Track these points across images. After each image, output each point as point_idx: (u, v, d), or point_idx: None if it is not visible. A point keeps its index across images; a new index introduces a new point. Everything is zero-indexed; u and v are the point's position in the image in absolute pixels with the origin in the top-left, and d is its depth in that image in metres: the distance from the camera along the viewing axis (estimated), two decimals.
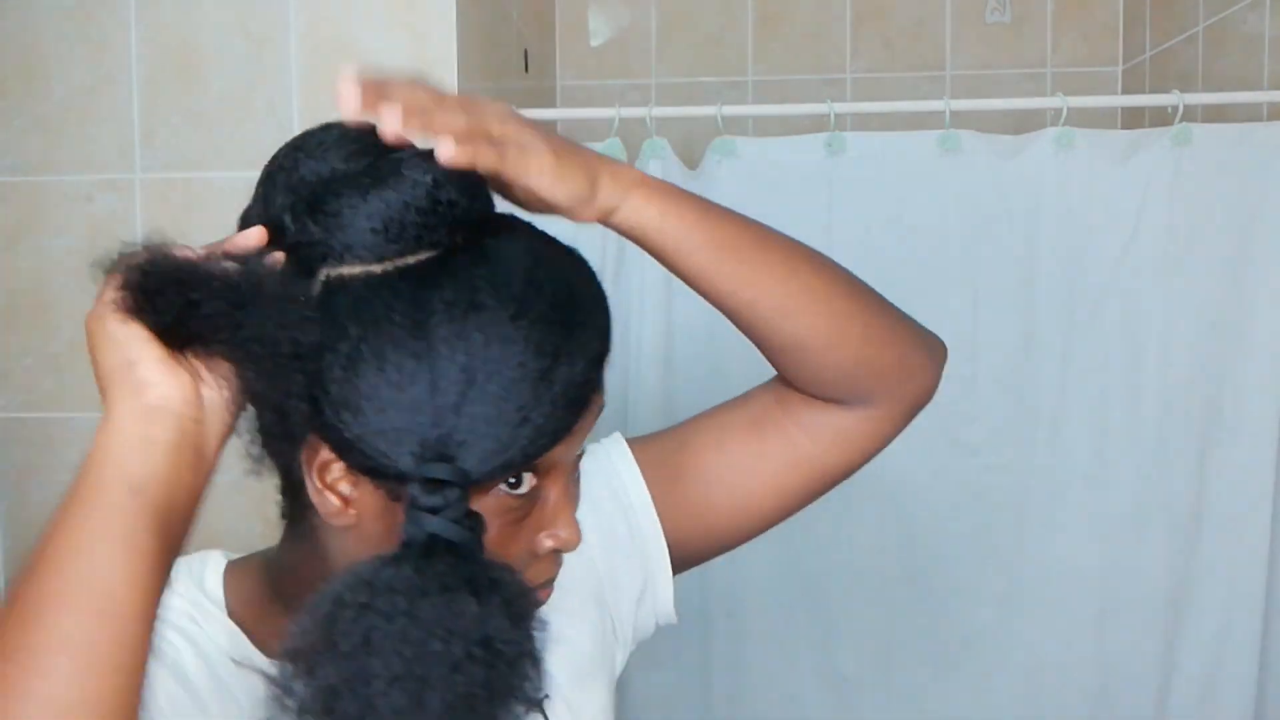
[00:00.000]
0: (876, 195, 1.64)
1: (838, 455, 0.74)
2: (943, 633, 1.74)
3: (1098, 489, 1.67)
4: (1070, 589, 1.70)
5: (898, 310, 0.72)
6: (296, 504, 0.59)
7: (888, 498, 1.70)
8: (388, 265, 0.53)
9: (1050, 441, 1.68)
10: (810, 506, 0.77)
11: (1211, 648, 1.66)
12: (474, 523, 0.52)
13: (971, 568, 1.72)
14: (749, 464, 0.74)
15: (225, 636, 0.62)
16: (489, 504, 0.55)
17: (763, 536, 0.77)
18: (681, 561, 0.76)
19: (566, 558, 0.62)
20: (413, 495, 0.51)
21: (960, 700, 1.75)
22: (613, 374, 0.59)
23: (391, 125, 0.52)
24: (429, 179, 0.53)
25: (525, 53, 2.11)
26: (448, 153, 0.52)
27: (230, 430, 0.52)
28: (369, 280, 0.52)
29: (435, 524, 0.50)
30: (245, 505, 1.52)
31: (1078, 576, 1.69)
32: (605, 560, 0.74)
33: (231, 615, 0.63)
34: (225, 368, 0.50)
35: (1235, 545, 1.64)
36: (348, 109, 0.52)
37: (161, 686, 0.54)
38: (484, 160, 0.53)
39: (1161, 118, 1.91)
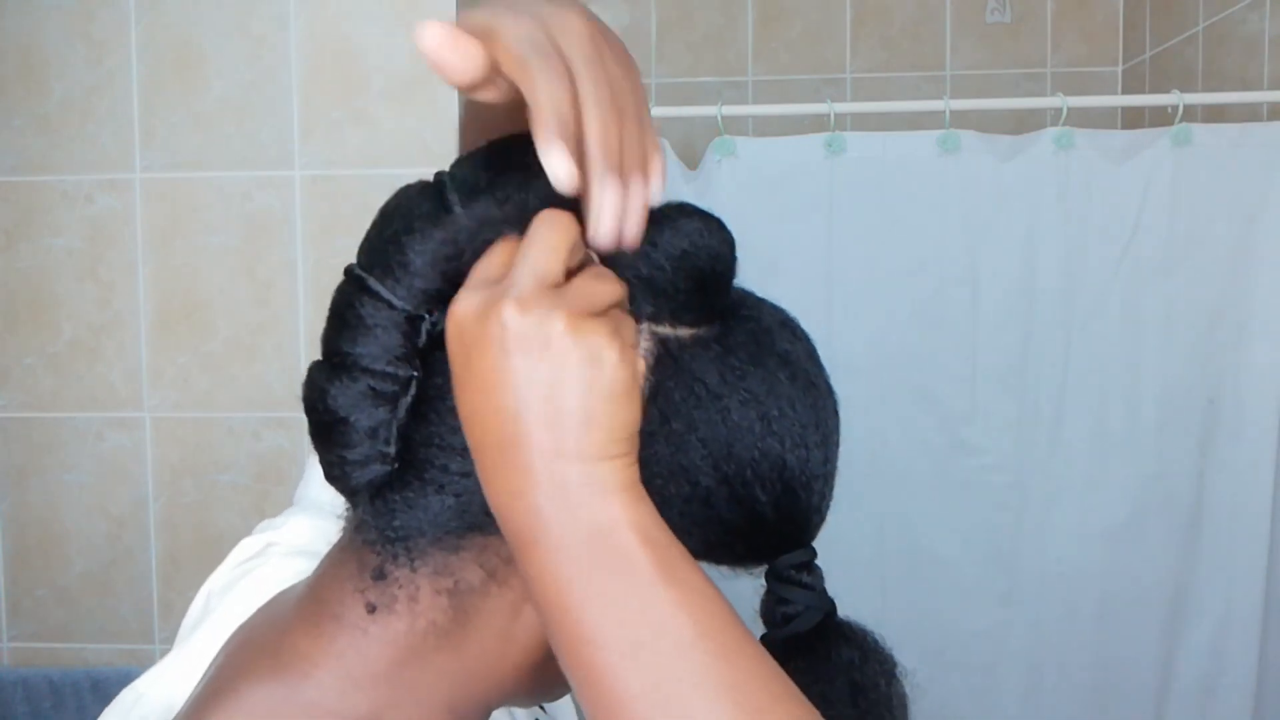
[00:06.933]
0: (876, 195, 1.64)
1: None
2: (943, 632, 1.74)
3: (1097, 488, 1.67)
4: (1070, 589, 1.70)
5: None
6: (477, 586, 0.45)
7: (888, 497, 1.70)
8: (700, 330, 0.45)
9: (1050, 441, 1.68)
10: None
11: (1211, 648, 1.67)
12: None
13: (971, 568, 1.72)
14: None
15: None
16: None
17: None
18: None
19: None
20: (788, 573, 0.47)
21: (960, 700, 1.75)
22: None
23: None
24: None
25: None
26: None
27: None
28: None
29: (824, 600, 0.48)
30: (245, 505, 1.52)
31: (1078, 576, 1.69)
32: None
33: None
34: None
35: (1235, 545, 1.64)
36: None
37: None
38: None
39: (1161, 118, 1.91)
